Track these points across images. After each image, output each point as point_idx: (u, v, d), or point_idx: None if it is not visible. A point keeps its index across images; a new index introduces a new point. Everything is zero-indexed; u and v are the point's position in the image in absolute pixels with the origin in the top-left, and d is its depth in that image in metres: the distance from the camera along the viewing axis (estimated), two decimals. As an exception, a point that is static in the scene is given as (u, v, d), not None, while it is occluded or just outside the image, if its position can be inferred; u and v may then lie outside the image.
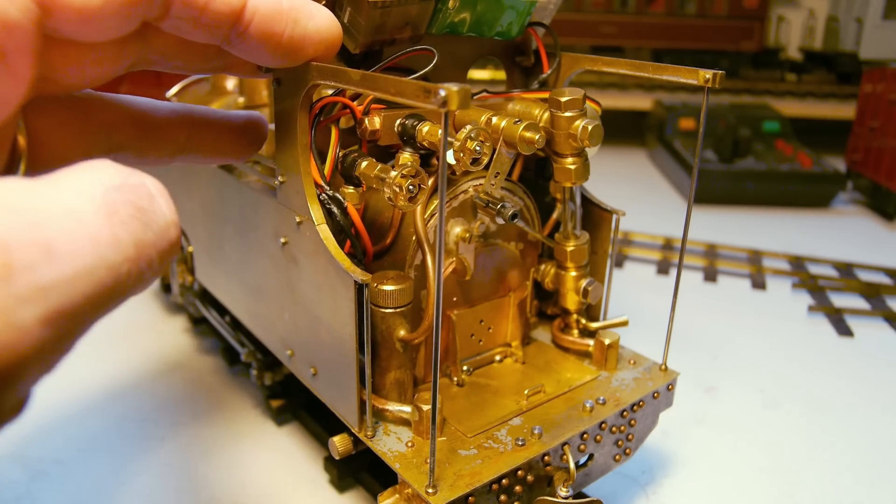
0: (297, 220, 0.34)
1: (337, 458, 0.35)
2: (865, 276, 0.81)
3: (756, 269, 0.81)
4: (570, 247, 0.41)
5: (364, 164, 0.33)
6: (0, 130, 0.22)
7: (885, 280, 0.81)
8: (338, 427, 0.36)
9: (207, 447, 0.48)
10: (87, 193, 0.16)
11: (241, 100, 0.54)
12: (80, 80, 0.24)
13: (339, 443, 0.35)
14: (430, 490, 0.30)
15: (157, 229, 0.18)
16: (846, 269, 0.82)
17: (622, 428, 0.38)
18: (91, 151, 0.27)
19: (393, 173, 0.31)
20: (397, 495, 0.32)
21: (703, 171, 1.05)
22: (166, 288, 0.67)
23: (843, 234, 0.97)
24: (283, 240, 0.36)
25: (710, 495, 0.45)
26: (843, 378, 0.60)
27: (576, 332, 0.43)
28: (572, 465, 0.34)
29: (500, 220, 0.36)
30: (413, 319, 0.35)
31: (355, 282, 0.31)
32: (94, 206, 0.16)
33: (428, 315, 0.34)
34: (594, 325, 0.43)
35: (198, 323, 0.62)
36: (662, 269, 0.82)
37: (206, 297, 0.56)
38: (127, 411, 0.52)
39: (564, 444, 0.35)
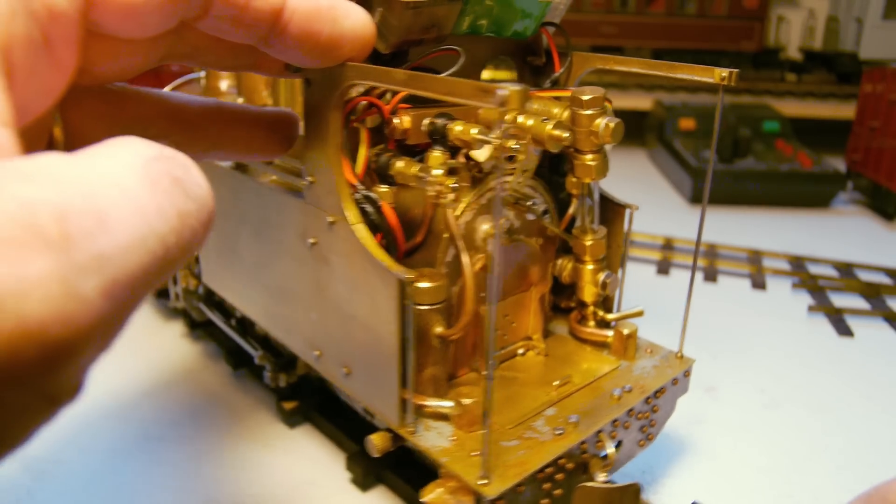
0: (330, 220, 0.34)
1: (375, 455, 0.36)
2: (865, 276, 0.81)
3: (756, 269, 0.82)
4: (588, 241, 0.41)
5: (400, 163, 0.34)
6: (41, 121, 0.22)
7: (885, 280, 0.81)
8: (355, 427, 0.36)
9: (213, 448, 0.48)
10: (127, 165, 0.16)
11: (240, 100, 0.54)
12: (112, 72, 0.24)
13: (377, 441, 0.35)
14: (483, 481, 0.31)
15: (196, 199, 0.18)
16: (846, 269, 0.82)
17: (647, 414, 0.39)
18: None
19: (436, 172, 0.32)
20: (441, 489, 0.33)
21: (703, 171, 1.05)
22: (160, 294, 0.67)
23: (843, 234, 0.97)
24: (311, 240, 0.36)
25: (710, 495, 0.45)
26: (843, 378, 0.60)
27: (592, 323, 0.44)
28: (612, 450, 0.36)
29: (530, 217, 0.37)
30: (445, 316, 0.36)
31: (399, 279, 0.31)
32: (136, 177, 0.16)
33: (466, 311, 0.35)
34: (610, 315, 0.44)
35: (195, 328, 0.62)
36: (663, 269, 0.82)
37: (211, 301, 0.56)
38: (129, 412, 0.52)
39: (599, 431, 0.36)
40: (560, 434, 0.35)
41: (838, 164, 1.13)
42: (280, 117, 0.32)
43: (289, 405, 0.50)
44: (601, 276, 0.42)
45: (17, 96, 0.18)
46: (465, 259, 0.35)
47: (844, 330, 0.68)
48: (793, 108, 1.32)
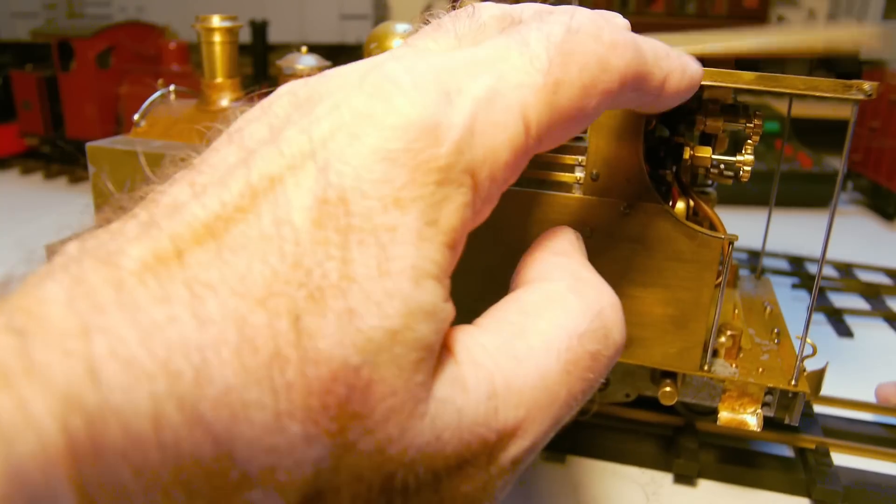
0: (623, 206, 0.37)
1: (671, 403, 0.41)
2: (865, 276, 0.81)
3: (756, 269, 0.81)
4: (710, 201, 0.47)
5: (698, 152, 0.39)
6: None
7: (885, 280, 0.81)
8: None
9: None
10: (553, 348, 0.16)
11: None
12: None
13: (669, 389, 0.40)
14: (793, 383, 0.39)
15: (604, 371, 0.17)
16: (846, 269, 0.82)
17: None
18: None
19: (745, 155, 0.40)
20: (728, 410, 0.39)
21: (702, 171, 1.05)
22: None
23: (843, 234, 0.97)
24: (588, 229, 0.39)
25: (710, 495, 0.45)
26: (843, 378, 0.60)
27: None
28: (810, 341, 0.42)
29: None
30: None
31: (726, 240, 0.37)
32: (558, 366, 0.16)
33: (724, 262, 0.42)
34: None
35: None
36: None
37: None
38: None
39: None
40: (779, 342, 0.43)
41: (838, 164, 1.13)
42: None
43: None
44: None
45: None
46: (712, 213, 0.41)
47: (844, 330, 0.68)
48: (793, 108, 1.31)
